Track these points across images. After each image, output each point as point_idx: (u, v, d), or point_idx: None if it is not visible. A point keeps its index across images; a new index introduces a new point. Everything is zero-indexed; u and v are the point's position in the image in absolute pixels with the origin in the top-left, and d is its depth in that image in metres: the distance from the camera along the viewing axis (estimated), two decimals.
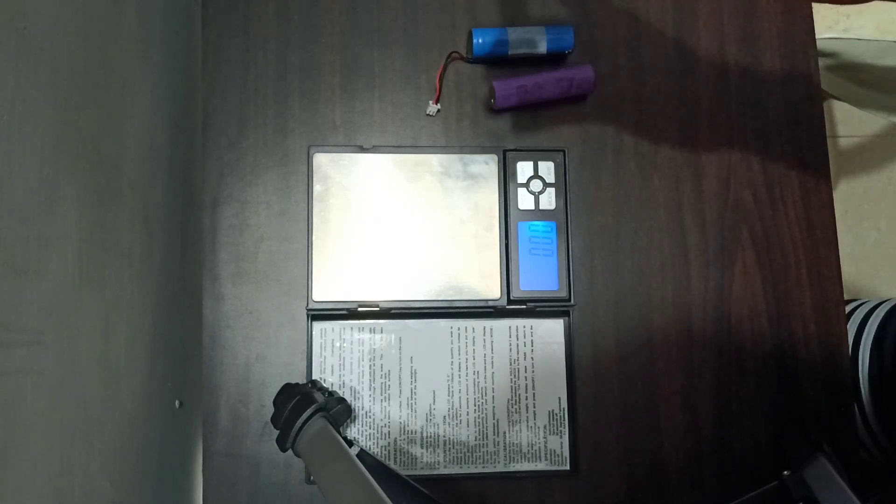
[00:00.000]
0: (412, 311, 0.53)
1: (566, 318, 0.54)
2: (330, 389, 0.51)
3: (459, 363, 0.53)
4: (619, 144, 0.57)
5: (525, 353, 0.54)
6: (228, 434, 0.51)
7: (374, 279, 0.52)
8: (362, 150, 0.54)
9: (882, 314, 0.63)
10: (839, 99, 0.92)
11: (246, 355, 0.52)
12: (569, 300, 0.54)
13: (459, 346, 0.53)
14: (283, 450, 0.45)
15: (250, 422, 0.52)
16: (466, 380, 0.53)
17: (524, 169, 0.54)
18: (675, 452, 0.54)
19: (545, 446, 0.53)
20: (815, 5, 0.60)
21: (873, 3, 0.40)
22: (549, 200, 0.54)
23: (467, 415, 0.53)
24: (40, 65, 0.36)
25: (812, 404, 0.55)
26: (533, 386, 0.53)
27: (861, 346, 0.62)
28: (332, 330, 0.53)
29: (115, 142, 0.46)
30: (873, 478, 0.63)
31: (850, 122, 1.29)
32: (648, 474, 0.53)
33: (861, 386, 0.61)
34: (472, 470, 0.52)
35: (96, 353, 0.42)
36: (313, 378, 0.52)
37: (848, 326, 0.64)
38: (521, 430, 0.53)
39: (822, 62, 0.63)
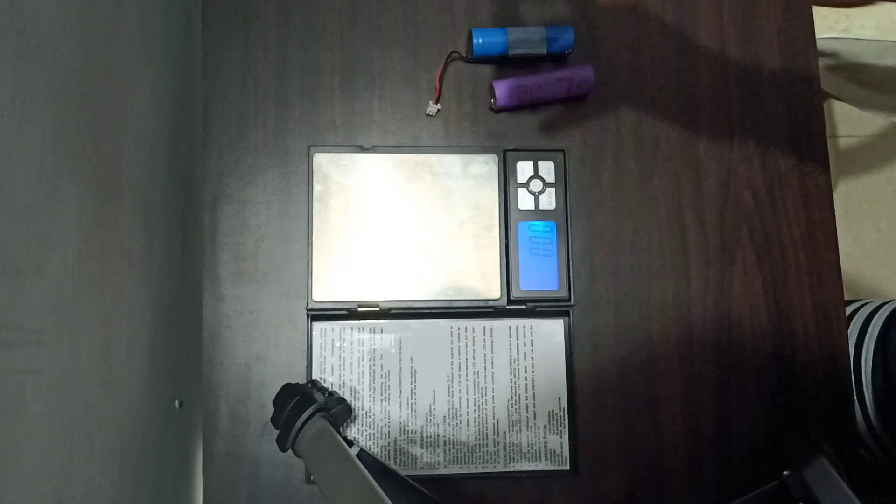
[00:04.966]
0: (412, 311, 0.53)
1: (566, 318, 0.54)
2: (330, 389, 0.51)
3: (459, 363, 0.53)
4: (619, 144, 0.57)
5: (525, 353, 0.54)
6: (228, 434, 0.52)
7: (374, 279, 0.52)
8: (362, 150, 0.54)
9: (885, 315, 0.63)
10: (839, 99, 0.92)
11: (246, 355, 0.52)
12: (569, 300, 0.54)
13: (459, 346, 0.53)
14: (283, 450, 0.45)
15: (250, 422, 0.52)
16: (466, 380, 0.53)
17: (524, 169, 0.54)
18: (675, 452, 0.54)
19: (545, 446, 0.53)
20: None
21: (873, 3, 0.40)
22: (549, 200, 0.54)
23: (467, 415, 0.53)
24: (40, 65, 0.36)
25: (812, 404, 0.55)
26: (533, 386, 0.53)
27: (864, 349, 0.62)
28: (332, 330, 0.53)
29: (115, 142, 0.46)
30: (878, 479, 0.63)
31: (850, 122, 1.29)
32: (648, 474, 0.53)
33: (864, 389, 0.61)
34: (472, 470, 0.52)
35: (96, 353, 0.42)
36: (313, 378, 0.52)
37: (850, 329, 0.64)
38: (521, 430, 0.53)
39: (822, 62, 0.63)
